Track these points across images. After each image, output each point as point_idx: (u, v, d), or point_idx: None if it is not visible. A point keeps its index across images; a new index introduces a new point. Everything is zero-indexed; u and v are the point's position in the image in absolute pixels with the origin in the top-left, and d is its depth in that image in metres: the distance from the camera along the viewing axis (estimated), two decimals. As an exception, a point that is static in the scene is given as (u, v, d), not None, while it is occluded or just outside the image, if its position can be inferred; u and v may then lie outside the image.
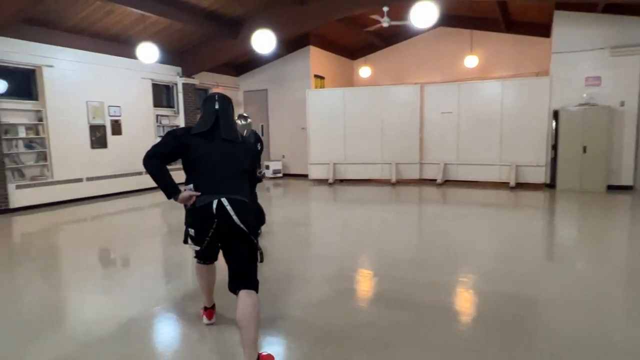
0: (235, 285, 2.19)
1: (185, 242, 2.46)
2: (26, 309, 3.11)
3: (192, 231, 2.33)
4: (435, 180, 9.34)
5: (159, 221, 6.74)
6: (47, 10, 6.83)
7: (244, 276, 2.20)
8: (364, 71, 11.90)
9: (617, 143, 7.85)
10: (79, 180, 7.93)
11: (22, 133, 7.19)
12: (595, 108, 7.74)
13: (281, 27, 8.42)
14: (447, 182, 9.39)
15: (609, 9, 7.55)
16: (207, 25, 8.49)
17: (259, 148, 4.47)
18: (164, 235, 5.66)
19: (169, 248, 4.85)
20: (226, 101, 2.41)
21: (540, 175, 8.49)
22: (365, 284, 3.57)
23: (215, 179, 2.21)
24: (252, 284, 2.20)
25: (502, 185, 8.81)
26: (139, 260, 4.46)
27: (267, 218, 5.07)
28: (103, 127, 8.40)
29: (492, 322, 2.69)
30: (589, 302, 2.99)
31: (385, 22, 7.73)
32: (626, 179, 7.88)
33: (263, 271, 3.70)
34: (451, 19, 10.39)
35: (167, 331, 2.71)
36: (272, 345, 2.44)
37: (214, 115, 2.31)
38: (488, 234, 5.29)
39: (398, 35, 11.45)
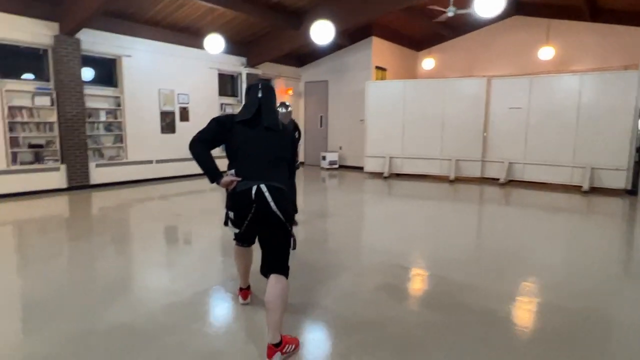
0: (266, 270, 2.27)
1: (226, 224, 2.56)
2: (99, 276, 3.47)
3: (232, 214, 2.42)
4: (498, 179, 8.82)
5: (217, 203, 7.10)
6: (128, 3, 7.42)
7: (276, 261, 2.26)
8: (427, 63, 11.48)
9: None
10: (150, 162, 8.59)
11: (103, 117, 7.93)
12: (693, 107, 6.80)
13: (343, 17, 8.40)
14: (512, 182, 8.82)
15: None
16: (271, 17, 8.69)
17: (297, 137, 4.51)
18: (219, 216, 5.96)
19: (222, 229, 5.11)
20: (269, 90, 2.46)
21: (620, 180, 7.66)
22: (404, 280, 3.49)
23: (256, 166, 2.28)
24: (283, 270, 2.25)
25: (574, 188, 8.09)
26: (198, 238, 4.78)
27: (317, 207, 5.12)
28: (172, 113, 9.00)
29: (540, 335, 2.51)
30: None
31: (450, 12, 7.38)
32: None
33: (304, 257, 3.77)
34: (527, 6, 9.67)
35: (206, 309, 2.88)
36: (299, 329, 2.50)
37: (257, 103, 2.37)
38: (551, 240, 4.89)
39: (467, 24, 10.88)
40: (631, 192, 7.57)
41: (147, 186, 8.19)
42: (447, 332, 2.52)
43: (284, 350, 2.17)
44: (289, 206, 2.33)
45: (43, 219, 5.62)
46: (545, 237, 4.96)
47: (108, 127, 8.06)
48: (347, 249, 4.32)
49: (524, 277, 3.51)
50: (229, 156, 2.40)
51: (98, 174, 7.79)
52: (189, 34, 9.05)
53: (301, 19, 9.16)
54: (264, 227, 2.30)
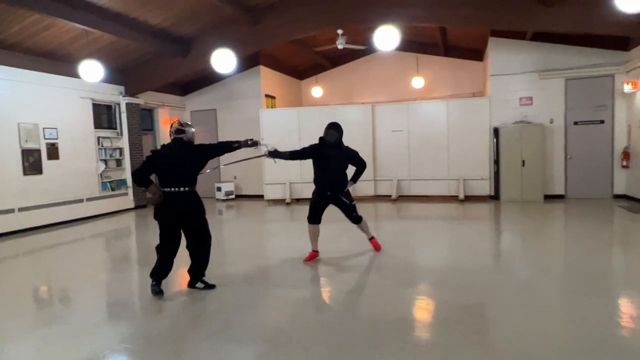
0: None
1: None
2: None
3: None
4: (390, 196, 9.63)
5: (101, 253, 6.17)
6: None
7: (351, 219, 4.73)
8: (316, 91, 12.07)
9: (549, 156, 8.67)
10: (10, 211, 7.06)
11: (-60, 160, 6.29)
12: (530, 125, 8.52)
13: (233, 46, 8.26)
14: (401, 198, 9.72)
15: (536, 37, 8.44)
16: (154, 43, 8.13)
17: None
18: (107, 269, 5.16)
19: (115, 285, 4.44)
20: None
21: (485, 188, 9.10)
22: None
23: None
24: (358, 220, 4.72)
25: (452, 198, 9.30)
26: (81, 301, 3.94)
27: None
28: (38, 151, 7.61)
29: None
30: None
31: (340, 45, 7.93)
32: (559, 189, 8.71)
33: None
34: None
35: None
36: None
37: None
38: (441, 244, 5.56)
39: (345, 56, 11.83)
40: (494, 197, 9.05)
41: (9, 240, 6.71)
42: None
43: None
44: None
45: None
46: (434, 241, 5.61)
47: (-52, 172, 6.42)
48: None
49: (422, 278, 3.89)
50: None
51: (-64, 233, 6.09)
52: (55, 60, 7.86)
53: (188, 46, 8.78)
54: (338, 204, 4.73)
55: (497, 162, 8.87)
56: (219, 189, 10.93)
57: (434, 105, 9.61)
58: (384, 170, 9.80)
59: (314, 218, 4.62)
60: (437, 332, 2.89)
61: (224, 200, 10.83)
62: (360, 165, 4.76)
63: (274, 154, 4.31)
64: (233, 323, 3.10)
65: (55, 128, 7.95)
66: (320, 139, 4.62)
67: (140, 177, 3.59)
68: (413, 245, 5.67)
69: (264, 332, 2.99)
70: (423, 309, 3.37)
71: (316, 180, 4.62)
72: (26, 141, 7.42)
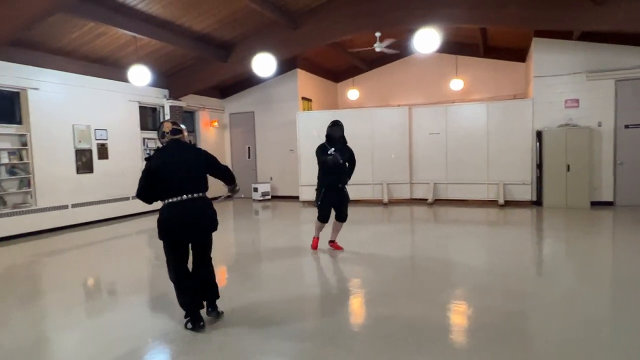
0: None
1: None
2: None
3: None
4: (426, 199, 9.51)
5: (146, 249, 6.45)
6: (36, 32, 6.59)
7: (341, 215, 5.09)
8: (353, 93, 12.07)
9: (597, 161, 8.28)
10: (64, 207, 7.54)
11: (5, 159, 6.80)
12: (576, 128, 8.18)
13: (273, 50, 8.45)
14: (437, 202, 9.57)
15: (584, 37, 8.10)
16: (197, 48, 8.43)
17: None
18: (150, 263, 5.39)
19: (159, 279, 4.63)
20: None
21: (527, 193, 8.81)
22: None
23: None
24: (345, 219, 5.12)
25: (491, 203, 9.06)
26: (128, 293, 4.17)
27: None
28: (89, 151, 8.08)
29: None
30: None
31: (378, 47, 7.93)
32: (607, 195, 8.29)
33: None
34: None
35: None
36: None
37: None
38: (481, 249, 5.42)
39: (381, 58, 11.77)
40: (537, 203, 8.74)
41: (62, 235, 7.15)
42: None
43: None
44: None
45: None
46: (472, 247, 5.49)
47: (11, 169, 6.92)
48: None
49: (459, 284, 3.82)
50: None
51: (1, 226, 6.58)
52: (105, 65, 8.32)
53: (229, 51, 9.06)
54: (339, 202, 5.16)
55: (539, 166, 8.57)
56: (255, 190, 11.16)
57: (473, 107, 9.40)
58: (420, 174, 9.68)
59: (326, 217, 5.09)
60: (476, 339, 2.85)
61: (260, 201, 11.04)
62: (354, 163, 5.25)
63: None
64: (276, 318, 3.19)
65: (105, 129, 8.41)
66: (327, 136, 5.07)
67: (146, 197, 3.05)
68: (452, 249, 5.58)
69: (304, 331, 3.05)
70: (462, 314, 3.33)
71: (325, 177, 5.01)
72: (79, 141, 7.89)
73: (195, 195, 2.99)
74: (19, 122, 7.09)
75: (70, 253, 6.11)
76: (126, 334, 3.06)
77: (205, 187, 3.10)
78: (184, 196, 2.95)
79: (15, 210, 6.85)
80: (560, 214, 7.75)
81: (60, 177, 7.52)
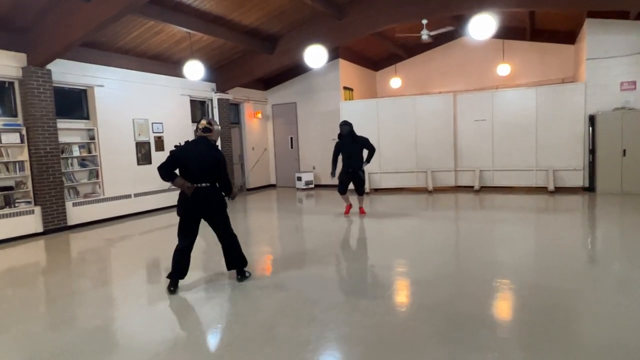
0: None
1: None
2: (85, 324, 3.23)
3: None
4: (472, 187, 9.46)
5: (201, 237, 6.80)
6: (101, 32, 7.03)
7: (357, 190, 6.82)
8: (395, 82, 12.03)
9: (655, 145, 7.97)
10: (128, 196, 8.07)
11: (77, 152, 7.35)
12: (633, 112, 7.90)
13: (318, 41, 8.61)
14: (483, 189, 9.50)
15: (642, 16, 7.75)
16: (246, 42, 8.71)
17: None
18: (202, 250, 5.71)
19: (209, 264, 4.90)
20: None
21: (578, 179, 8.61)
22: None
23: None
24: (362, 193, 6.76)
25: (539, 190, 8.91)
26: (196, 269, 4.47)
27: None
28: (148, 143, 8.57)
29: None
30: None
31: (424, 35, 7.91)
32: (666, 181, 7.99)
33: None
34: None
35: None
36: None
37: None
38: (532, 237, 5.40)
39: (422, 45, 11.64)
40: (589, 189, 8.53)
41: (127, 222, 7.67)
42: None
43: None
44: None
45: (24, 268, 5.05)
46: (524, 236, 5.45)
47: (82, 162, 7.48)
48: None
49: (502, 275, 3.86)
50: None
51: (75, 214, 7.16)
52: (160, 61, 8.75)
53: (275, 43, 9.28)
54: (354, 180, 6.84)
55: (592, 151, 8.34)
56: (299, 179, 11.44)
57: (521, 92, 9.21)
58: (465, 161, 9.63)
59: (343, 190, 6.95)
60: (522, 332, 2.78)
61: (303, 190, 11.31)
62: (371, 149, 6.71)
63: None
64: (318, 317, 3.14)
65: (161, 123, 8.87)
66: (339, 135, 6.68)
67: (165, 170, 3.61)
68: (501, 237, 5.58)
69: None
70: (508, 306, 3.30)
71: (343, 163, 6.74)
72: (139, 134, 8.39)
73: (204, 184, 3.70)
74: (87, 118, 7.63)
75: (140, 238, 6.57)
76: (178, 320, 3.36)
77: (214, 180, 3.78)
78: (197, 185, 3.67)
79: (87, 199, 7.41)
80: (615, 200, 7.54)
81: (124, 168, 8.04)
